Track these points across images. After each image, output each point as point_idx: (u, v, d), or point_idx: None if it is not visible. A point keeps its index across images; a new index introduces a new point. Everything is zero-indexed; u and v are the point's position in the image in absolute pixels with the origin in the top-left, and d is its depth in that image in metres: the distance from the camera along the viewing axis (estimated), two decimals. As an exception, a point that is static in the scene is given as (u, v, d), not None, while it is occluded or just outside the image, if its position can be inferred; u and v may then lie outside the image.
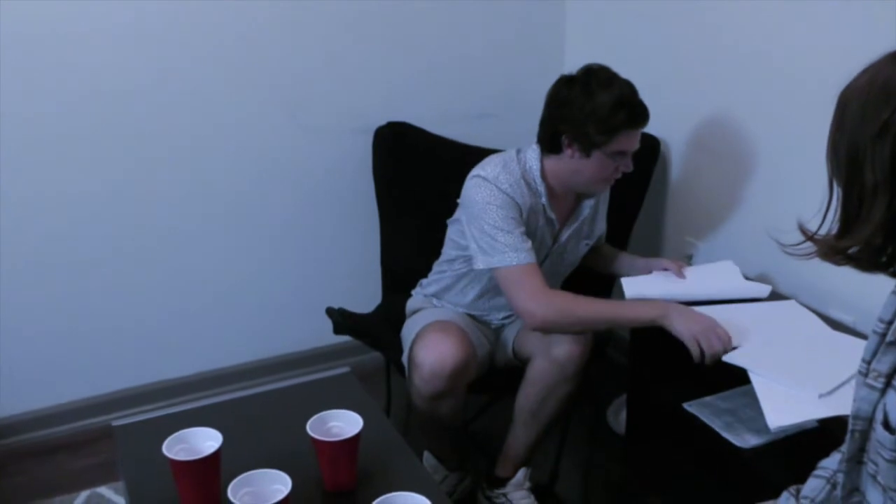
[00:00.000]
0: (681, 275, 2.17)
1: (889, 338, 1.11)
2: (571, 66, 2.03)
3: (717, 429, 1.85)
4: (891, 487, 1.08)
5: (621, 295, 2.14)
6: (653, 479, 2.28)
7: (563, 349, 1.98)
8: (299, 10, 2.48)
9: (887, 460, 1.06)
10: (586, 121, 1.92)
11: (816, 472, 1.32)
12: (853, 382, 1.15)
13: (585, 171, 2.00)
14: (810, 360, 1.80)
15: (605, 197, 2.24)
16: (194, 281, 2.63)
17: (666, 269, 2.19)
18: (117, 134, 2.39)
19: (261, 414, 1.79)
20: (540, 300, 1.94)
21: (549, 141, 2.01)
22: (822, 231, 1.07)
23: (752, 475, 1.78)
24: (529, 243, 1.99)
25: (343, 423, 1.52)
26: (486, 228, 1.96)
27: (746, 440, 1.81)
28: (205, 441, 1.46)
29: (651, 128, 2.28)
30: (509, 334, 2.20)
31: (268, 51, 2.49)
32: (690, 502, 2.14)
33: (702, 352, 1.81)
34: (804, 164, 2.05)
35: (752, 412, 1.81)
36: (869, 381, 1.10)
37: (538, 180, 2.03)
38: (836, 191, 1.04)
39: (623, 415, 2.37)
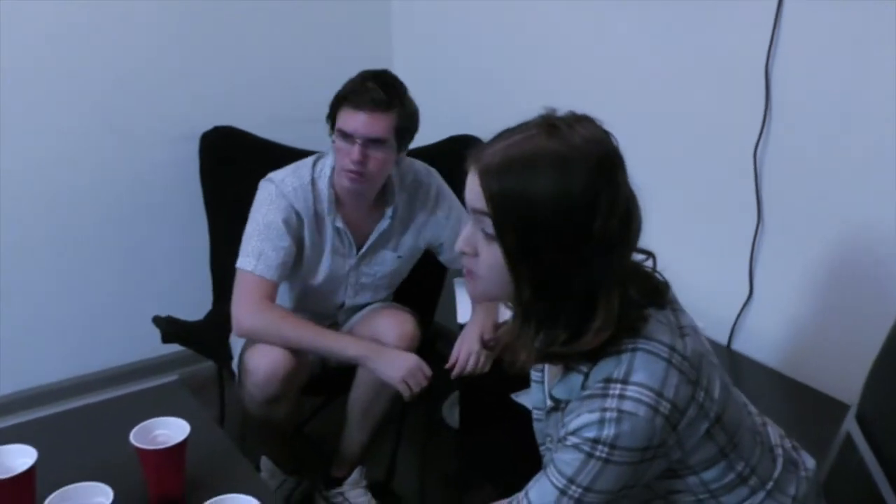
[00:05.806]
0: None
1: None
2: (399, 71, 2.02)
3: (538, 413, 1.94)
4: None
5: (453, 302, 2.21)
6: (486, 468, 2.35)
7: (391, 348, 2.00)
8: (116, 15, 2.40)
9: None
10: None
11: None
12: None
13: (334, 159, 1.96)
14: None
15: (448, 210, 2.12)
16: (13, 296, 2.49)
17: None
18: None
19: (82, 428, 1.72)
20: (250, 310, 1.94)
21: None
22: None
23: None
24: (280, 260, 1.95)
25: (169, 431, 1.48)
26: (249, 229, 1.97)
27: (566, 423, 1.91)
28: (18, 458, 1.39)
29: (478, 129, 2.35)
30: (340, 335, 2.21)
31: (86, 58, 2.40)
32: (521, 485, 2.22)
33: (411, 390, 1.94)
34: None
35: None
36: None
37: (326, 187, 2.00)
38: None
39: (458, 409, 2.43)
